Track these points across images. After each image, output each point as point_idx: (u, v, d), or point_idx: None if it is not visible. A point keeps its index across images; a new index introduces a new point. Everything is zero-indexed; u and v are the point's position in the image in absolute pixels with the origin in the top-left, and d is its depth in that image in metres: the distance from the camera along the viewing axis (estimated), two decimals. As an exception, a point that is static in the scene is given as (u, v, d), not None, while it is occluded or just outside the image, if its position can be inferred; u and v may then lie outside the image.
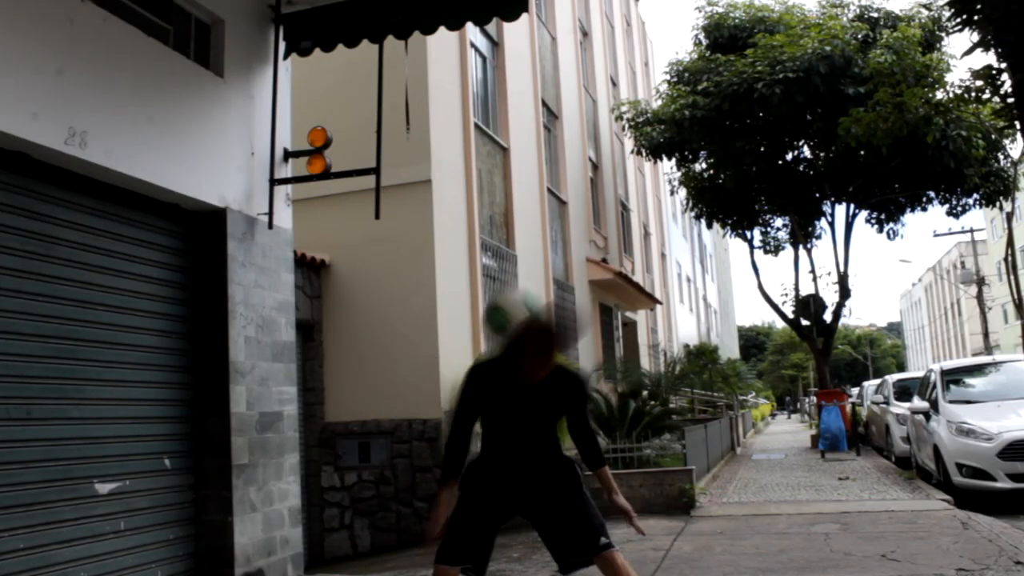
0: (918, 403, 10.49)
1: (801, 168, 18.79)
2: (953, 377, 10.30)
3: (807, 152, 18.68)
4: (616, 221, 19.76)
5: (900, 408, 12.70)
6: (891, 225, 19.62)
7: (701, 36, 18.67)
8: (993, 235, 49.26)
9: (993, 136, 15.97)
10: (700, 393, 18.97)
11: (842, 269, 18.62)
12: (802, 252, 19.85)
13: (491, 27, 12.12)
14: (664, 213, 29.31)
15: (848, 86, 15.56)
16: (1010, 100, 8.72)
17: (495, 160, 11.80)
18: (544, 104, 14.65)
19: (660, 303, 23.46)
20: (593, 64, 19.72)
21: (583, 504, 3.35)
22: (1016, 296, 23.03)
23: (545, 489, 3.35)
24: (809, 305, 18.48)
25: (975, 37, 8.48)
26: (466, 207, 10.22)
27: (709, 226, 23.58)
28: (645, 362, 20.22)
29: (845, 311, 21.13)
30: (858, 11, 17.87)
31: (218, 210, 5.54)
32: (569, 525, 3.30)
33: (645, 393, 13.41)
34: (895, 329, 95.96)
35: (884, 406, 14.04)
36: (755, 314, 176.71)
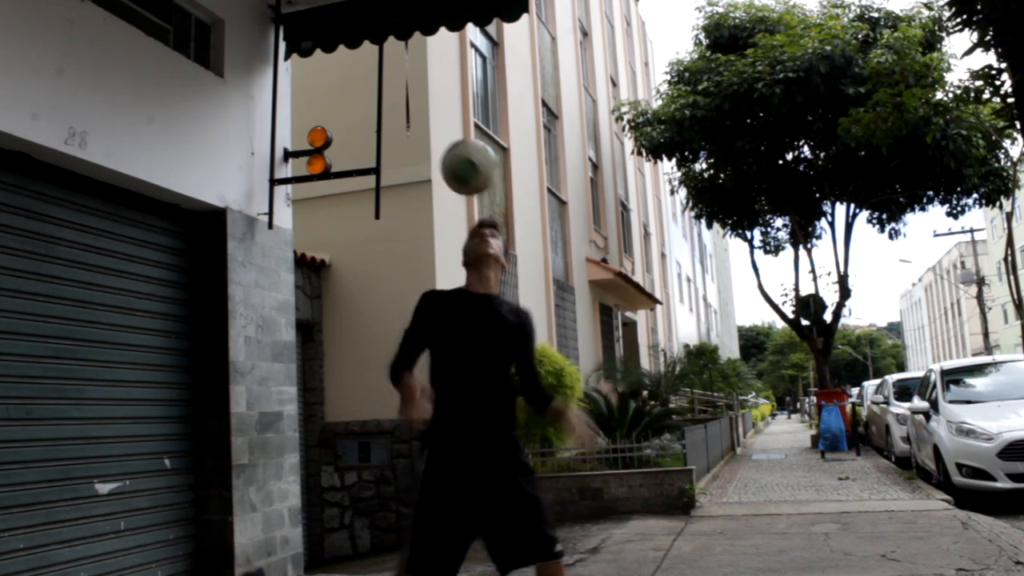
0: (918, 403, 10.49)
1: (801, 168, 18.79)
2: (953, 377, 10.29)
3: (807, 152, 18.68)
4: (616, 221, 19.76)
5: (900, 408, 12.70)
6: (892, 225, 19.64)
7: (701, 36, 18.67)
8: (993, 235, 49.27)
9: (993, 136, 15.96)
10: (700, 393, 18.98)
11: (842, 269, 18.62)
12: (802, 252, 19.86)
13: (491, 27, 12.12)
14: (664, 213, 29.31)
15: (848, 86, 15.55)
16: (1010, 100, 8.72)
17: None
18: (544, 104, 14.66)
19: (660, 303, 23.47)
20: (593, 64, 19.72)
21: (538, 500, 2.97)
22: (1016, 296, 23.03)
23: (503, 472, 2.93)
24: (809, 305, 18.48)
25: (975, 37, 8.48)
26: (466, 207, 10.22)
27: (709, 226, 23.58)
28: (645, 362, 20.23)
29: (845, 311, 21.13)
30: (858, 11, 17.86)
31: (218, 210, 5.54)
32: (526, 525, 2.90)
33: (645, 393, 13.44)
34: (895, 329, 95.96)
35: (884, 406, 14.03)
36: (755, 314, 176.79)
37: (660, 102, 18.51)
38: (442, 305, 3.06)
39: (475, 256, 3.11)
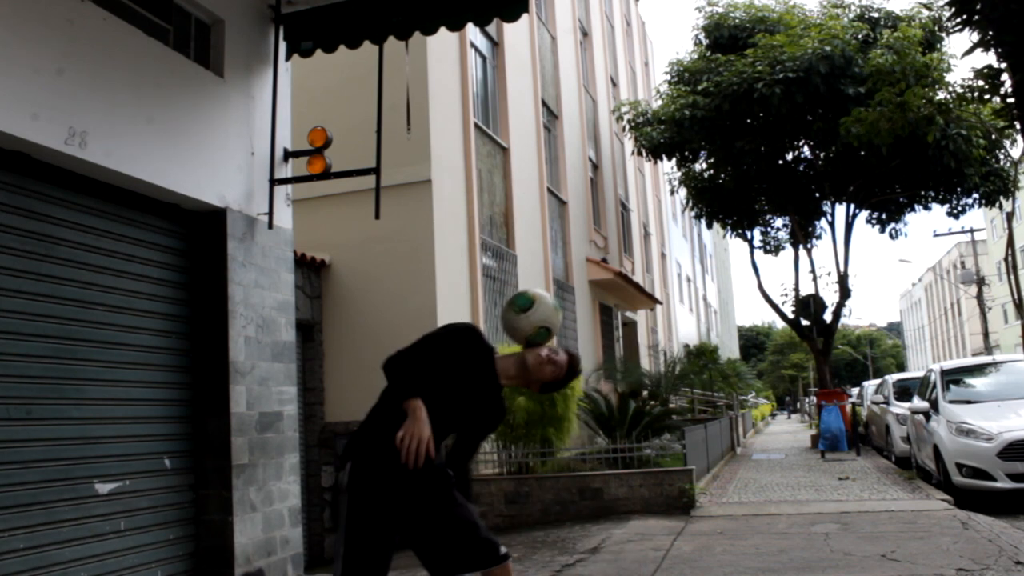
0: (918, 403, 10.49)
1: (801, 168, 18.79)
2: (953, 377, 10.30)
3: (807, 152, 18.68)
4: (616, 221, 19.77)
5: (900, 408, 12.70)
6: (892, 225, 19.64)
7: (701, 36, 18.67)
8: (993, 235, 49.27)
9: (993, 136, 15.96)
10: (700, 393, 18.97)
11: (842, 269, 18.62)
12: (802, 252, 19.87)
13: (491, 27, 12.12)
14: (664, 213, 29.31)
15: (848, 86, 15.56)
16: (1010, 100, 8.73)
17: (495, 160, 11.80)
18: (544, 104, 14.66)
19: (660, 303, 23.47)
20: (593, 64, 19.72)
21: (469, 508, 2.97)
22: (1016, 296, 23.03)
23: (430, 489, 2.93)
24: (809, 305, 18.48)
25: (975, 37, 8.48)
26: (466, 207, 10.22)
27: (709, 226, 23.58)
28: (645, 362, 20.23)
29: (845, 311, 21.14)
30: (858, 11, 17.87)
31: (218, 210, 5.54)
32: (464, 531, 2.90)
33: (645, 393, 13.45)
34: (895, 329, 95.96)
35: (884, 406, 14.03)
36: (755, 314, 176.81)
37: (660, 102, 18.52)
38: (473, 354, 3.03)
39: (536, 378, 3.08)
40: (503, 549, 2.93)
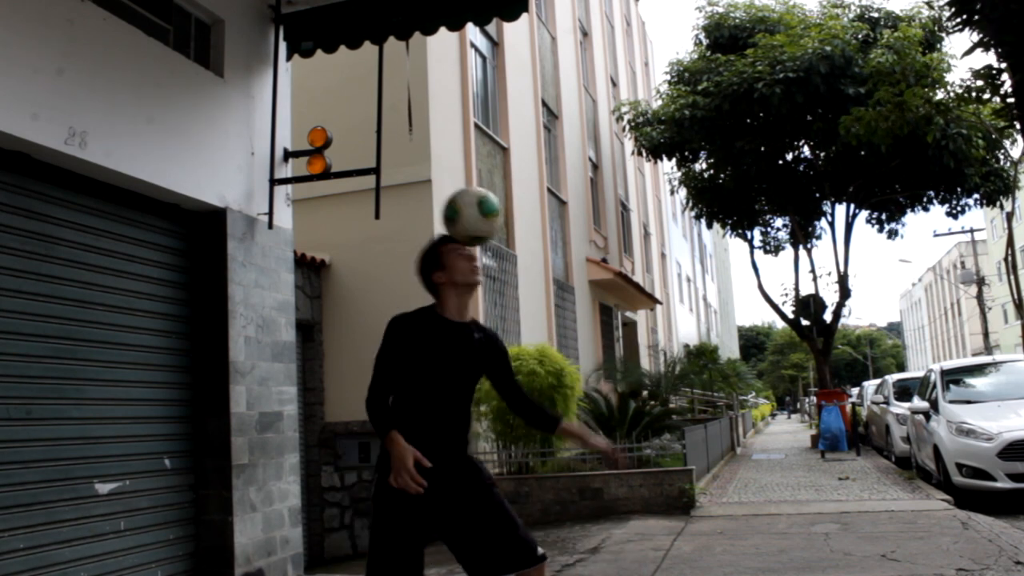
0: (918, 403, 10.49)
1: (801, 168, 18.79)
2: (953, 377, 10.29)
3: (807, 152, 18.68)
4: (616, 221, 19.77)
5: (900, 408, 12.69)
6: (892, 225, 19.64)
7: (701, 36, 18.67)
8: (993, 235, 49.28)
9: (993, 136, 15.96)
10: (700, 393, 18.97)
11: (842, 269, 18.62)
12: (802, 252, 19.87)
13: (491, 27, 12.12)
14: (664, 213, 29.32)
15: (848, 86, 15.56)
16: (1010, 100, 8.72)
17: (495, 160, 11.80)
18: (544, 104, 14.66)
19: (660, 303, 23.47)
20: (593, 64, 19.72)
21: (506, 506, 2.92)
22: (1016, 296, 23.03)
23: (468, 487, 2.90)
24: (809, 305, 18.48)
25: (975, 37, 8.48)
26: (466, 207, 10.21)
27: (709, 226, 23.58)
28: (645, 362, 20.23)
29: (845, 311, 21.13)
30: (858, 11, 17.87)
31: (218, 210, 5.54)
32: (502, 530, 2.85)
33: (645, 393, 13.45)
34: (895, 329, 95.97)
35: (884, 406, 14.03)
36: (755, 314, 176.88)
37: (660, 102, 18.52)
38: (417, 331, 2.93)
39: (464, 282, 2.98)
40: (540, 549, 2.88)
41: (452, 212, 2.98)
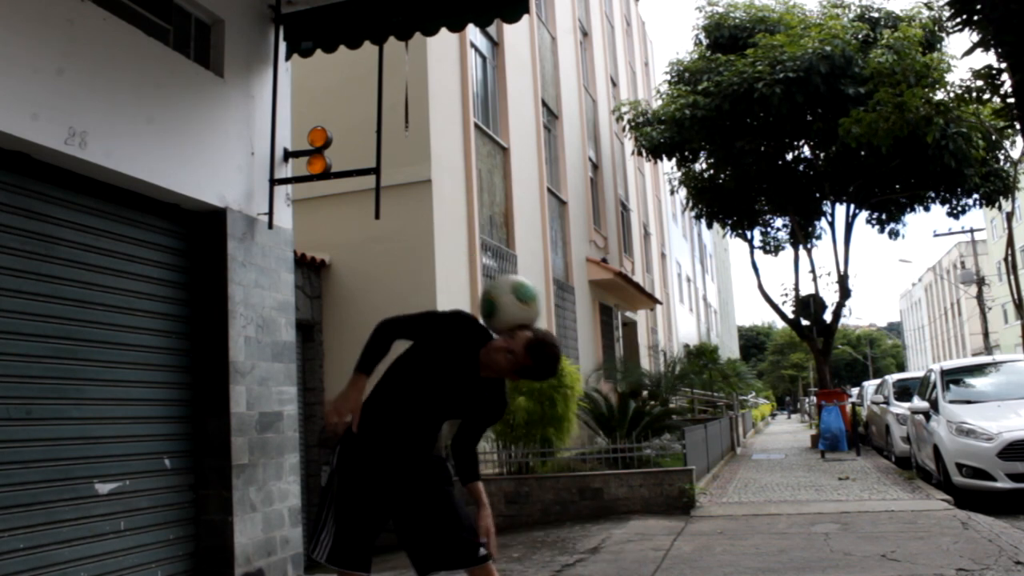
0: (918, 403, 10.49)
1: (801, 168, 18.79)
2: (953, 377, 10.29)
3: (807, 152, 18.69)
4: (616, 221, 19.77)
5: (900, 408, 12.69)
6: (892, 225, 19.63)
7: (701, 36, 18.67)
8: (993, 235, 49.28)
9: (993, 136, 15.96)
10: (700, 393, 18.98)
11: (842, 269, 18.62)
12: (802, 252, 19.86)
13: (491, 27, 12.12)
14: (664, 213, 29.32)
15: (848, 86, 15.56)
16: (1010, 100, 8.72)
17: (495, 160, 11.80)
18: (544, 104, 14.66)
19: (660, 303, 23.47)
20: (593, 64, 19.72)
21: (458, 506, 3.02)
22: (1016, 296, 23.03)
23: (423, 482, 3.01)
24: (809, 305, 18.47)
25: (975, 37, 8.47)
26: (466, 207, 10.22)
27: (709, 226, 23.59)
28: (645, 362, 20.23)
29: (845, 311, 21.09)
30: (858, 11, 17.87)
31: (218, 210, 5.54)
32: (447, 527, 2.95)
33: (645, 393, 13.45)
34: (895, 329, 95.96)
35: (884, 406, 14.03)
36: (755, 314, 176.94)
37: (660, 102, 18.52)
38: (461, 340, 2.99)
39: (506, 368, 2.97)
40: (483, 551, 2.94)
41: (490, 307, 3.06)
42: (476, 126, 10.92)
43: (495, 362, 2.97)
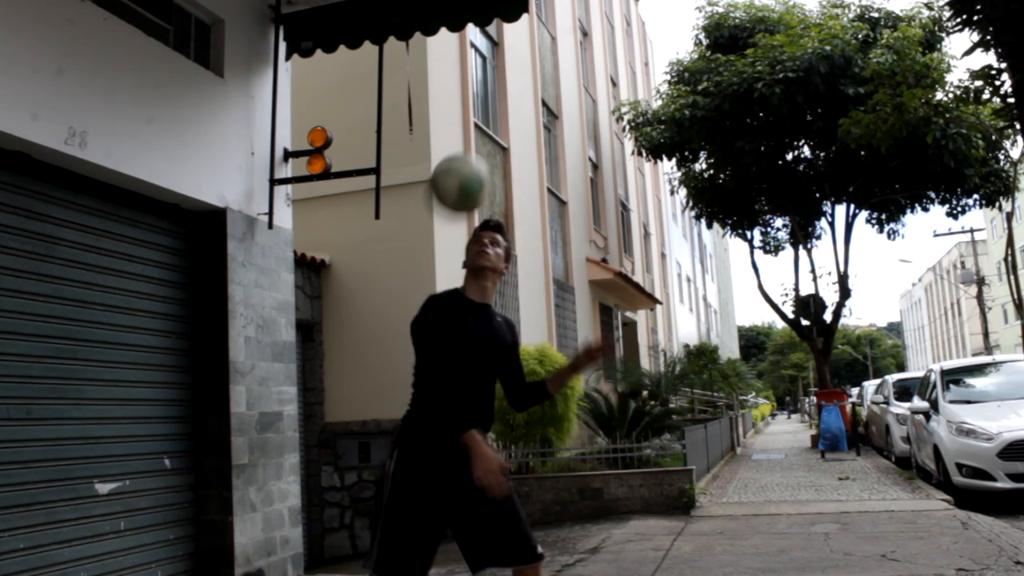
0: (918, 403, 10.48)
1: (801, 168, 18.79)
2: (953, 377, 10.29)
3: (807, 152, 18.69)
4: (616, 221, 19.76)
5: (900, 408, 12.69)
6: (891, 225, 19.64)
7: (701, 36, 18.68)
8: (993, 235, 49.27)
9: (993, 136, 15.96)
10: (700, 393, 18.97)
11: (842, 269, 18.62)
12: (802, 252, 19.87)
13: (491, 27, 12.12)
14: (664, 213, 29.31)
15: (848, 86, 15.56)
16: (1010, 100, 8.72)
17: (495, 160, 11.80)
18: (544, 104, 14.66)
19: (660, 303, 23.46)
20: (593, 64, 19.72)
21: (515, 502, 2.91)
22: (1016, 296, 23.03)
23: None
24: (809, 305, 18.48)
25: (975, 37, 8.47)
26: (466, 207, 10.21)
27: (709, 226, 23.59)
28: (645, 362, 20.22)
29: (845, 311, 21.05)
30: (858, 11, 17.87)
31: (218, 210, 5.54)
32: (506, 526, 2.85)
33: (645, 393, 13.44)
34: (895, 329, 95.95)
35: (884, 406, 14.03)
36: (755, 314, 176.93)
37: (660, 102, 18.52)
38: (447, 310, 2.95)
39: (473, 266, 3.04)
40: (540, 549, 2.89)
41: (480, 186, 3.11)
42: (476, 126, 10.92)
43: (472, 265, 3.01)
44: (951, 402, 9.46)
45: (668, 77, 18.58)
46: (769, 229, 21.47)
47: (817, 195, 18.83)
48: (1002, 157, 17.25)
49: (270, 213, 5.93)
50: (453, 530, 2.90)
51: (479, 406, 2.94)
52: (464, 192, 3.09)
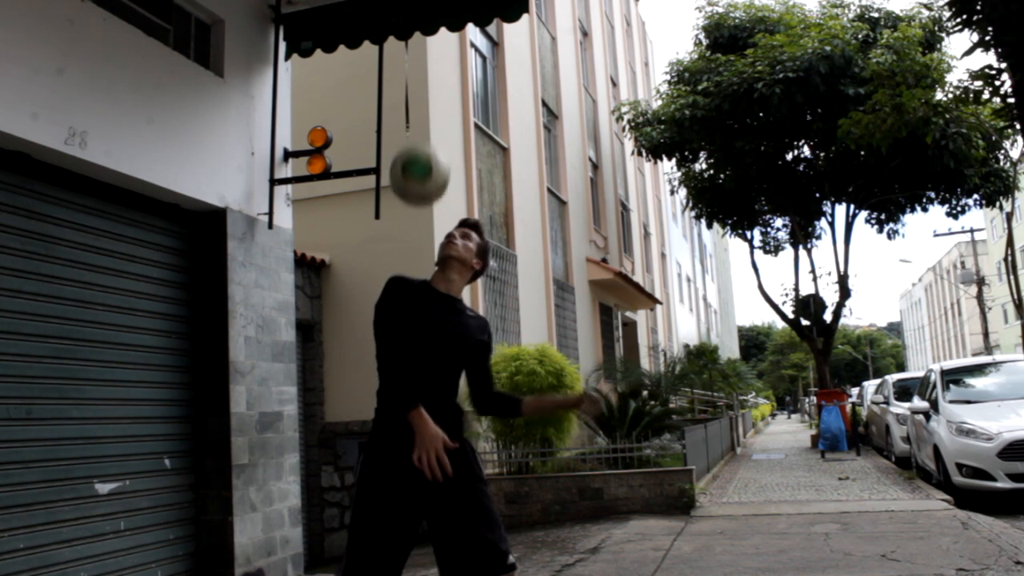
0: (918, 403, 10.49)
1: (801, 168, 18.79)
2: (953, 377, 10.29)
3: (807, 152, 18.68)
4: (616, 221, 19.76)
5: (900, 408, 12.70)
6: (891, 225, 19.64)
7: (701, 36, 18.67)
8: (993, 235, 49.27)
9: (993, 136, 15.96)
10: (700, 393, 18.97)
11: (842, 269, 18.62)
12: (802, 252, 19.86)
13: (491, 27, 12.12)
14: (664, 213, 29.31)
15: (848, 86, 15.56)
16: (1010, 100, 8.71)
17: (495, 160, 11.79)
18: (544, 104, 14.66)
19: (660, 303, 23.47)
20: (593, 64, 19.72)
21: (488, 507, 2.78)
22: (1016, 296, 23.02)
23: (456, 478, 2.72)
24: (809, 305, 18.47)
25: (975, 37, 8.47)
26: (466, 207, 10.22)
27: (709, 226, 23.58)
28: (645, 362, 20.23)
29: (845, 311, 21.03)
30: (858, 11, 17.87)
31: (218, 210, 5.54)
32: (475, 536, 2.70)
33: (645, 393, 13.41)
34: (895, 329, 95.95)
35: (884, 406, 14.03)
36: (755, 314, 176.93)
37: (660, 102, 18.51)
38: (408, 293, 2.85)
39: (440, 256, 2.99)
40: (511, 558, 2.74)
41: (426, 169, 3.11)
42: (476, 126, 10.92)
43: (451, 268, 2.98)
44: (951, 402, 9.47)
45: (668, 77, 18.58)
46: (769, 229, 21.47)
47: (817, 195, 18.82)
48: (1002, 157, 17.25)
49: (270, 213, 5.94)
50: (430, 540, 2.78)
51: (435, 397, 2.79)
52: (408, 171, 3.09)
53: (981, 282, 34.71)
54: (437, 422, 2.70)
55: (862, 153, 16.24)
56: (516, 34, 13.12)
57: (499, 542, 2.74)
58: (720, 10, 18.48)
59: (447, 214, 9.55)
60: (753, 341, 73.06)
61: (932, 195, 18.12)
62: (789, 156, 18.52)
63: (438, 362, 2.85)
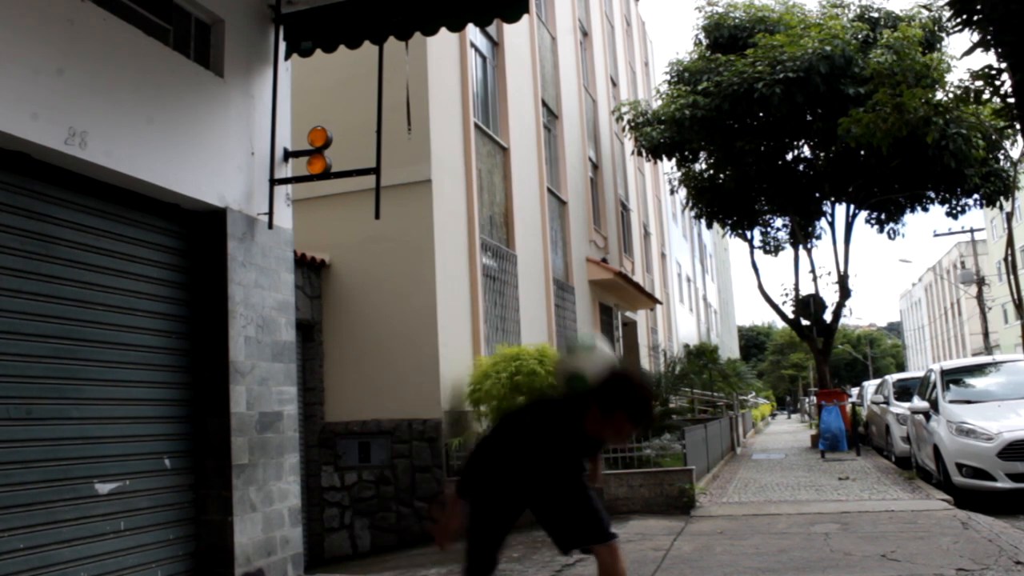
0: (918, 403, 10.48)
1: (801, 168, 18.78)
2: (953, 377, 10.29)
3: (807, 152, 18.67)
4: (616, 221, 19.76)
5: (900, 408, 12.70)
6: (891, 225, 19.62)
7: (701, 36, 18.66)
8: (993, 235, 49.27)
9: (993, 136, 15.95)
10: (700, 393, 18.95)
11: (842, 269, 18.62)
12: (802, 252, 19.85)
13: (491, 27, 12.12)
14: (664, 213, 29.31)
15: (848, 86, 15.55)
16: (1010, 100, 8.71)
17: (495, 160, 11.80)
18: (544, 104, 14.66)
19: (660, 303, 23.46)
20: (593, 64, 19.72)
21: (589, 492, 3.37)
22: (1016, 296, 23.02)
23: (553, 480, 3.37)
24: (809, 305, 18.47)
25: (975, 37, 8.47)
26: (466, 207, 10.22)
27: (709, 226, 23.58)
28: (645, 362, 20.22)
29: (845, 311, 21.02)
30: (858, 11, 17.86)
31: (218, 210, 5.54)
32: (577, 511, 3.32)
33: (645, 393, 13.40)
34: (895, 329, 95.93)
35: (884, 406, 14.03)
36: (755, 314, 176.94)
37: (660, 102, 18.51)
38: (557, 424, 3.28)
39: (605, 437, 3.34)
40: (613, 530, 3.28)
41: (580, 380, 3.33)
42: (476, 126, 10.92)
43: (603, 433, 3.26)
44: (951, 402, 9.47)
45: (668, 77, 18.56)
46: (769, 229, 21.46)
47: (817, 195, 18.81)
48: (1002, 157, 17.24)
49: (270, 213, 5.94)
50: (537, 518, 3.41)
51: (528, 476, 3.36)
52: (571, 382, 3.37)
53: (981, 282, 34.70)
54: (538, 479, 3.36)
55: (862, 153, 16.24)
56: (516, 34, 13.12)
57: (602, 519, 3.34)
58: (720, 10, 18.47)
59: (447, 214, 9.56)
60: (753, 341, 73.04)
61: (932, 195, 18.11)
62: (789, 156, 18.51)
63: (547, 465, 3.39)
